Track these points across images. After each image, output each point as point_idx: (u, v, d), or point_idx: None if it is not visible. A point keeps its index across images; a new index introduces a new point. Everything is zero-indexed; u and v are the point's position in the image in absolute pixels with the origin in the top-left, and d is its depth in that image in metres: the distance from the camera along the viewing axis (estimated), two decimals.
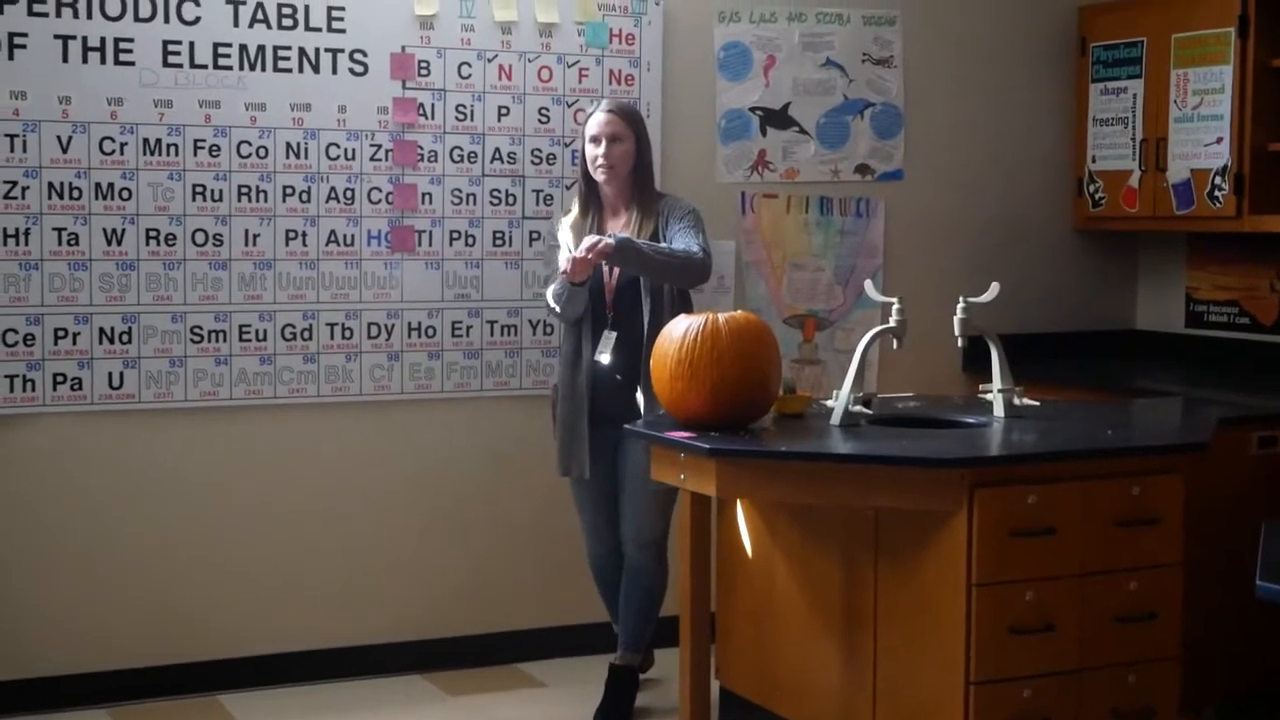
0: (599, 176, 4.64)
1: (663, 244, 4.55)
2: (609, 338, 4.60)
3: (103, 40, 4.70)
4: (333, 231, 5.03)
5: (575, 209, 4.74)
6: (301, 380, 5.02)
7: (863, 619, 4.01)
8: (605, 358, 4.59)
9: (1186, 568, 3.94)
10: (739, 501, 4.40)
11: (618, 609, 4.89)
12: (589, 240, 4.43)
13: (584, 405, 4.64)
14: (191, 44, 4.81)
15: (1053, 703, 3.77)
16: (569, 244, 4.57)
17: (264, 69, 4.90)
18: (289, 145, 4.96)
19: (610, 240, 4.41)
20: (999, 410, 4.29)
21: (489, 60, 5.20)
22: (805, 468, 3.80)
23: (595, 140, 4.63)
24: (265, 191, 4.94)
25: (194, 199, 4.85)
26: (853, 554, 4.04)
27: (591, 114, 4.69)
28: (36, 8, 4.62)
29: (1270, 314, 5.71)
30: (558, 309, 4.65)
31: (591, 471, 4.70)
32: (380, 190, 5.08)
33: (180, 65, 4.80)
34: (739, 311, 4.16)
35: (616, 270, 4.59)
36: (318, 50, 4.97)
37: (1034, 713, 3.74)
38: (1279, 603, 2.67)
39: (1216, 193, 5.41)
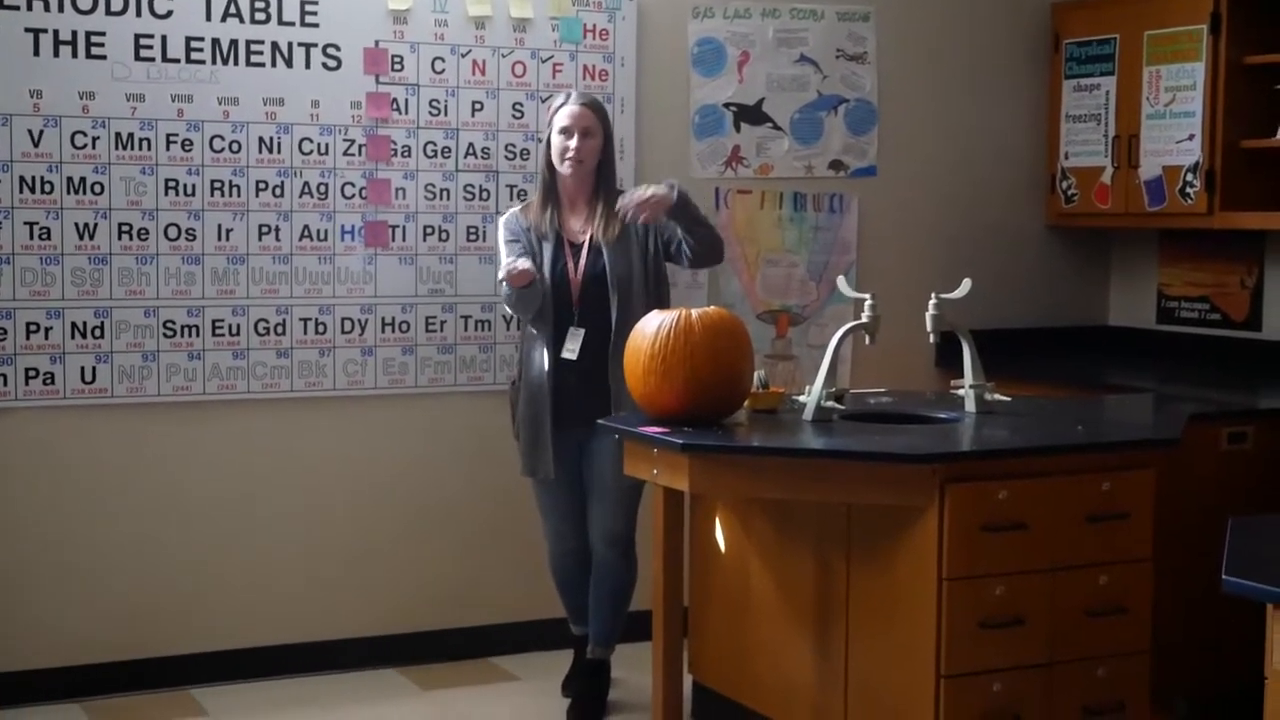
0: (566, 169, 4.61)
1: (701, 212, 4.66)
2: (576, 334, 4.59)
3: (74, 34, 4.68)
4: (306, 226, 5.02)
5: (534, 200, 4.71)
6: (275, 375, 5.01)
7: (835, 613, 4.03)
8: (573, 355, 4.58)
9: (1156, 563, 3.96)
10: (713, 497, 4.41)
11: (576, 608, 4.91)
12: (644, 191, 4.46)
13: (548, 405, 4.62)
14: (164, 38, 4.79)
15: (1023, 696, 3.79)
16: (508, 244, 4.61)
17: (237, 63, 4.89)
18: (262, 140, 4.95)
19: (670, 193, 4.46)
20: (970, 406, 4.31)
21: (462, 55, 5.19)
22: (778, 463, 3.82)
23: (566, 132, 4.60)
24: (238, 186, 4.93)
25: (166, 193, 4.84)
26: (825, 549, 4.06)
27: (561, 106, 4.64)
28: (7, 1, 4.59)
29: (1241, 310, 5.75)
30: (508, 309, 4.65)
31: (557, 473, 4.68)
32: (354, 185, 5.08)
33: (152, 59, 4.79)
34: (712, 307, 4.16)
35: (583, 266, 4.59)
36: (290, 44, 4.96)
37: (1004, 706, 3.76)
38: (1246, 597, 2.68)
39: (1188, 189, 5.44)
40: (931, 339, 4.35)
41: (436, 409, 5.25)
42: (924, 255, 5.90)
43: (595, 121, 4.62)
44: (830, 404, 4.17)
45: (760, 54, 5.62)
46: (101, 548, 4.85)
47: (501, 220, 4.77)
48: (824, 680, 4.08)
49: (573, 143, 4.58)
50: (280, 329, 5.01)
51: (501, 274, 4.46)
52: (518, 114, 5.27)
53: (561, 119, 4.61)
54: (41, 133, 4.68)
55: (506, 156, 5.27)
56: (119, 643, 4.90)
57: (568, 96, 4.68)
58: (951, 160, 5.99)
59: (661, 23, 5.47)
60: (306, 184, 5.01)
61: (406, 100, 5.12)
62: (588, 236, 4.63)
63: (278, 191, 4.98)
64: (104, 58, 4.73)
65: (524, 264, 4.45)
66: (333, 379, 5.09)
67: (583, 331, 4.57)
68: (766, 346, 5.64)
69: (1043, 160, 6.09)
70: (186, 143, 4.85)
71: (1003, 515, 3.73)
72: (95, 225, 4.76)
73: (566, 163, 4.60)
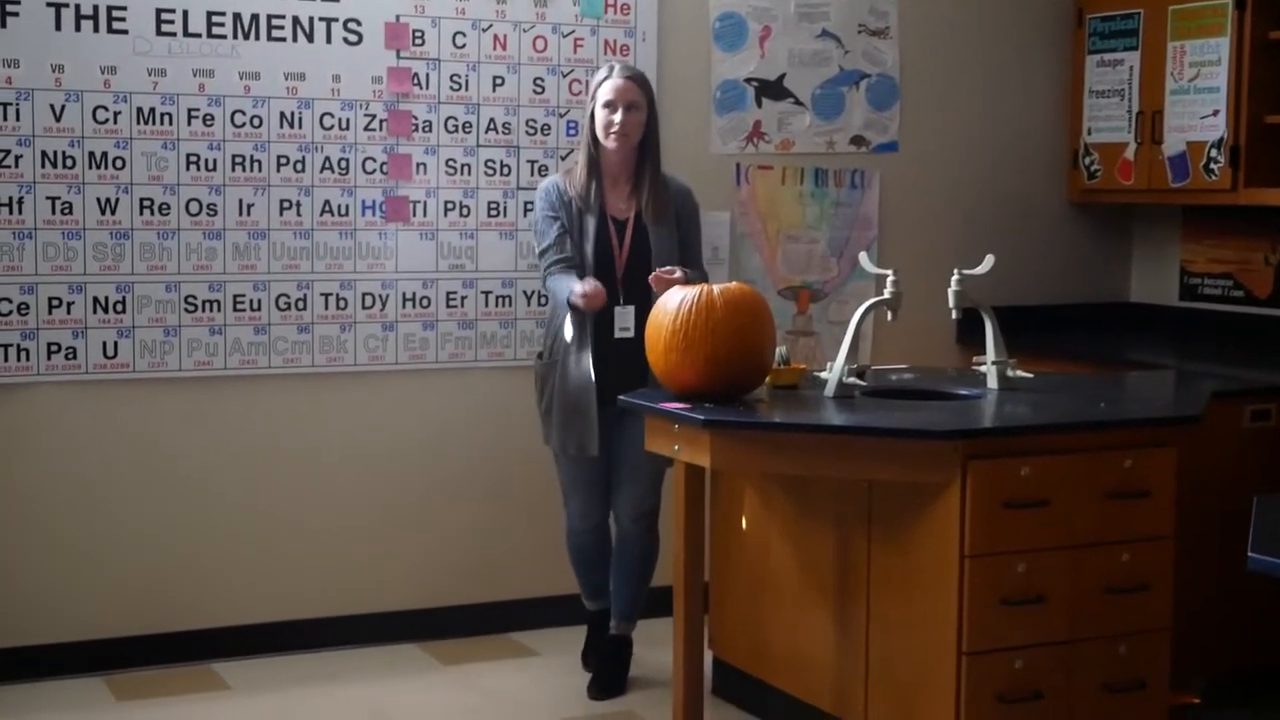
0: (611, 143, 4.56)
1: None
2: (626, 312, 4.55)
3: (96, 8, 4.68)
4: (327, 201, 5.02)
5: (580, 172, 4.63)
6: (296, 350, 5.02)
7: (856, 590, 4.03)
8: (630, 333, 4.54)
9: (1178, 540, 3.95)
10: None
11: (594, 584, 4.90)
12: (672, 271, 4.45)
13: (592, 383, 4.57)
14: (185, 12, 4.79)
15: (1044, 673, 3.79)
16: (547, 219, 4.60)
17: (258, 38, 4.89)
18: (283, 115, 4.94)
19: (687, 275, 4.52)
20: (993, 382, 4.30)
21: (483, 30, 5.18)
22: (799, 439, 3.81)
23: (610, 106, 4.54)
24: (259, 161, 4.93)
25: (188, 168, 4.84)
26: (846, 525, 4.05)
27: (606, 78, 4.57)
28: None
29: (1265, 287, 5.72)
30: (554, 296, 4.61)
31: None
32: (374, 160, 5.07)
33: (174, 34, 4.79)
34: (734, 283, 4.15)
35: (627, 244, 4.58)
36: (312, 19, 4.95)
37: (1025, 683, 3.76)
38: (1271, 574, 2.68)
39: (1212, 165, 5.41)
40: (954, 315, 4.34)
41: (457, 384, 5.25)
42: (946, 231, 5.88)
43: (640, 95, 4.58)
44: (852, 380, 4.16)
45: (782, 29, 5.59)
46: (123, 521, 4.87)
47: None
48: (845, 657, 4.08)
49: (617, 116, 4.53)
50: (301, 304, 5.01)
51: (579, 300, 4.41)
52: (539, 89, 5.26)
53: (605, 92, 4.56)
54: (63, 107, 4.69)
55: (527, 132, 5.26)
56: (141, 617, 4.92)
57: (611, 69, 4.61)
58: (973, 136, 5.97)
59: None
60: (327, 159, 5.01)
61: (427, 75, 5.11)
62: (632, 214, 4.62)
63: (299, 167, 4.98)
64: (125, 32, 4.73)
65: (595, 289, 4.41)
66: (353, 354, 5.10)
67: (632, 309, 4.55)
68: (788, 322, 5.63)
69: (1065, 136, 6.07)
70: (208, 118, 4.85)
71: (1025, 492, 3.72)
72: (117, 200, 4.77)
73: (611, 137, 4.55)
